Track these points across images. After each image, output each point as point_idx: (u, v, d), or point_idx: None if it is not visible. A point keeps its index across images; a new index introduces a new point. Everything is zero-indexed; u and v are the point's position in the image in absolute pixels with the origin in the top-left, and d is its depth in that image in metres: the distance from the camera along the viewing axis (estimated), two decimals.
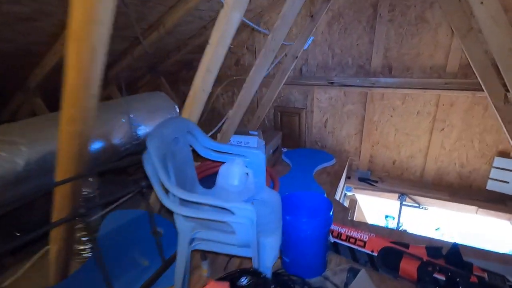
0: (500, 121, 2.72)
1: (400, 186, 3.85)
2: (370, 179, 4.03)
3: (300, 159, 3.86)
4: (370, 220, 4.05)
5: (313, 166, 3.67)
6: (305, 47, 3.47)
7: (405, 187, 3.82)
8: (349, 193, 3.82)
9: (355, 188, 3.79)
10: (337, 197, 3.32)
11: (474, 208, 3.29)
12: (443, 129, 3.52)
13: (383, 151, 3.94)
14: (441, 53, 3.30)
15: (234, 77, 4.32)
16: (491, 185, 3.43)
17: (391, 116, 3.75)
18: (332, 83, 3.87)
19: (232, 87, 4.55)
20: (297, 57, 3.42)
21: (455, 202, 3.35)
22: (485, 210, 3.23)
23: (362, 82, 3.70)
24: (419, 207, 3.51)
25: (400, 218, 3.65)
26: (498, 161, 3.34)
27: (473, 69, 2.75)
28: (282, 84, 3.60)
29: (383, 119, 3.80)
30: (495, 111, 2.73)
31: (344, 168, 3.74)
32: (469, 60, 2.78)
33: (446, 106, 3.42)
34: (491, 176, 3.40)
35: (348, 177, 4.13)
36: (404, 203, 3.57)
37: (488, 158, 3.44)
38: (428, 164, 3.71)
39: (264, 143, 3.13)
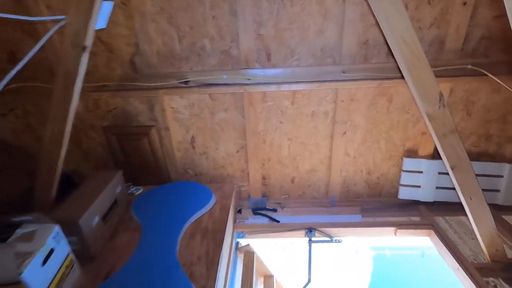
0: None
1: (304, 210, 2.90)
2: (267, 208, 2.94)
3: (159, 209, 2.39)
4: (278, 274, 3.10)
5: (180, 219, 2.28)
6: (101, 24, 1.81)
7: (311, 211, 2.89)
8: (242, 241, 2.67)
9: (249, 233, 2.63)
10: (224, 260, 2.07)
11: (391, 229, 2.59)
12: (345, 132, 2.60)
13: (278, 169, 2.84)
14: (333, 27, 2.22)
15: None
16: (403, 193, 2.79)
17: (281, 122, 2.61)
18: (186, 82, 2.40)
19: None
20: (84, 47, 1.71)
21: (368, 227, 2.58)
22: (404, 230, 2.56)
23: (232, 78, 2.37)
24: (331, 241, 2.66)
25: (312, 263, 2.76)
26: (407, 163, 2.67)
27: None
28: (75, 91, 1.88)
29: (270, 128, 2.64)
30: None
31: (229, 208, 2.48)
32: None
33: (346, 102, 2.47)
34: (401, 182, 2.75)
35: (238, 211, 2.93)
36: (313, 239, 2.65)
37: (396, 160, 2.75)
38: (332, 177, 2.82)
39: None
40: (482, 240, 2.05)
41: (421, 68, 1.55)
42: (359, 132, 2.64)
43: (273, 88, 2.40)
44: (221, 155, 2.79)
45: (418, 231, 2.53)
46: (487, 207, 1.93)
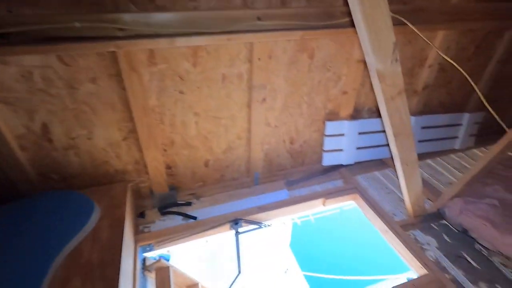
0: None
1: (225, 196, 2.41)
2: (179, 202, 2.32)
3: (3, 249, 1.47)
4: (204, 278, 2.58)
5: (41, 260, 1.45)
6: None
7: (233, 196, 2.42)
8: (150, 257, 2.01)
9: (158, 243, 1.98)
10: None
11: (319, 201, 2.39)
12: (264, 99, 2.12)
13: (186, 153, 2.20)
14: None
15: None
16: (327, 160, 2.60)
17: (181, 93, 1.91)
18: (8, 37, 1.38)
19: None
20: None
21: (296, 204, 2.31)
22: (332, 199, 2.40)
23: (92, 28, 1.48)
24: (260, 227, 2.30)
25: (240, 254, 2.37)
26: (330, 127, 2.45)
27: None
28: None
29: (168, 101, 1.92)
30: None
31: (123, 220, 1.75)
32: None
33: (264, 60, 1.94)
34: (325, 147, 2.53)
35: (140, 215, 2.21)
36: (240, 230, 2.23)
37: (317, 125, 2.49)
38: (253, 152, 2.37)
39: None
40: (409, 200, 2.02)
41: (380, 11, 1.14)
42: (280, 97, 2.21)
43: (163, 43, 1.64)
44: (100, 146, 1.93)
45: (345, 197, 2.41)
46: (419, 172, 1.85)
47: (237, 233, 2.18)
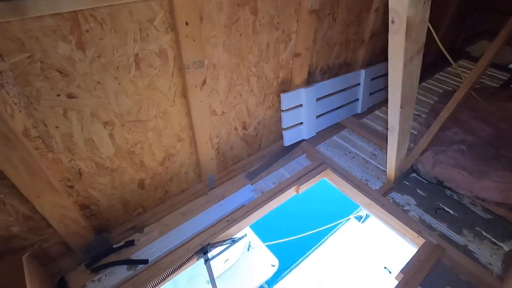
0: None
1: (177, 216, 1.83)
2: (115, 247, 1.65)
3: None
4: None
5: None
6: None
7: (187, 212, 1.86)
8: None
9: None
10: None
11: (293, 189, 2.03)
12: (204, 80, 1.51)
13: (105, 180, 1.49)
14: None
15: None
16: (288, 138, 2.20)
17: (70, 96, 1.16)
18: None
19: None
20: None
21: (270, 201, 1.90)
22: (306, 183, 2.05)
23: None
24: (234, 243, 1.84)
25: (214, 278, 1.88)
26: (286, 99, 2.01)
27: None
28: None
29: (49, 114, 1.15)
30: None
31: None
32: None
33: (194, 24, 1.30)
34: (284, 125, 2.12)
35: (60, 284, 1.48)
36: (209, 256, 1.72)
37: (271, 99, 2.03)
38: (201, 151, 1.79)
39: None
40: (394, 168, 1.82)
41: None
42: (223, 74, 1.62)
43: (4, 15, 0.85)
44: None
45: (316, 177, 2.11)
46: (408, 140, 1.60)
47: (208, 260, 1.69)
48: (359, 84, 2.49)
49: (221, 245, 1.72)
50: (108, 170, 1.45)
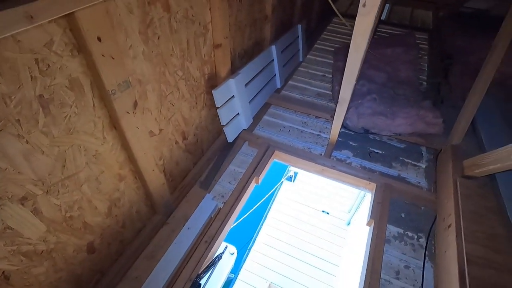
0: None
1: (142, 262, 1.56)
2: None
3: None
4: None
5: None
6: None
7: (152, 255, 1.60)
8: None
9: None
10: None
11: (253, 183, 1.98)
12: (135, 103, 1.23)
13: (35, 271, 1.11)
14: None
15: None
16: (230, 134, 2.09)
17: None
18: None
19: None
20: None
21: (238, 202, 1.82)
22: (262, 172, 2.03)
23: None
24: (219, 260, 1.68)
25: None
26: (218, 95, 1.88)
27: None
28: None
29: None
30: None
31: None
32: None
33: (107, 37, 1.01)
34: (223, 122, 1.99)
35: None
36: (201, 282, 1.54)
37: (202, 99, 1.85)
38: (150, 180, 1.52)
39: None
40: (337, 132, 1.97)
41: None
42: (151, 88, 1.36)
43: None
44: None
45: (268, 162, 2.12)
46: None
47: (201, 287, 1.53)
48: (273, 60, 2.54)
49: (211, 268, 1.57)
50: (45, 254, 1.08)
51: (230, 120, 2.02)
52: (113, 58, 1.04)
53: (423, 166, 2.19)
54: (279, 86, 2.75)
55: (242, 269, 4.84)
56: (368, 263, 1.58)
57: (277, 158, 2.21)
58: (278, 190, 6.05)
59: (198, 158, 2.05)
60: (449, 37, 3.40)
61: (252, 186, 1.98)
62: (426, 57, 3.51)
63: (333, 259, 4.85)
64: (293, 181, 6.21)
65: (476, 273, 1.24)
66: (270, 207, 5.78)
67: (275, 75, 2.64)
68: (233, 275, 4.86)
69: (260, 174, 2.00)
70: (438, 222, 1.72)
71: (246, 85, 2.11)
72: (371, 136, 2.43)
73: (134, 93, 1.22)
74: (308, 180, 6.25)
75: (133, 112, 1.22)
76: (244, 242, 5.45)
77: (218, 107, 1.88)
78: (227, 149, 2.20)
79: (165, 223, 1.72)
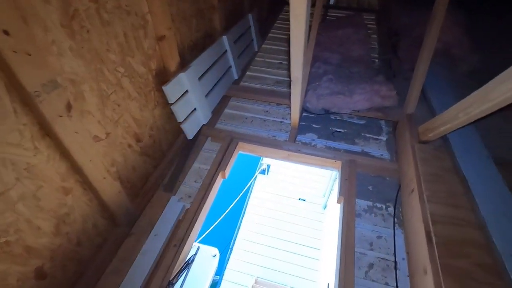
0: None
1: (106, 280, 1.43)
2: None
3: None
4: None
5: None
6: None
7: (117, 269, 1.48)
8: None
9: None
10: None
11: (220, 178, 1.90)
12: (68, 104, 1.10)
13: None
14: None
15: None
16: (190, 130, 1.99)
17: None
18: None
19: None
20: None
21: (206, 200, 1.74)
22: (227, 165, 1.96)
23: None
24: (192, 261, 1.59)
25: None
26: (170, 91, 1.77)
27: None
28: None
29: None
30: None
31: None
32: None
33: (18, 31, 0.88)
34: (180, 118, 1.89)
35: None
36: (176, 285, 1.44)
37: (153, 97, 1.74)
38: (103, 192, 1.40)
39: None
40: (297, 113, 1.96)
41: None
42: (88, 88, 1.23)
43: None
44: None
45: (234, 154, 2.05)
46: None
47: None
48: (226, 51, 2.46)
49: (183, 272, 1.48)
50: None
51: (187, 116, 1.92)
52: (30, 55, 0.91)
53: (384, 139, 2.26)
54: (236, 77, 2.68)
55: (226, 269, 4.76)
56: (342, 239, 1.58)
57: (242, 150, 2.15)
58: (253, 185, 6.02)
59: (159, 161, 1.93)
60: (395, 15, 3.55)
61: (219, 181, 1.91)
62: (376, 36, 3.64)
63: (315, 244, 4.93)
64: (267, 174, 6.22)
65: (441, 231, 1.28)
66: (247, 203, 5.74)
67: (230, 66, 2.57)
68: (218, 277, 4.76)
69: (226, 168, 1.93)
70: (402, 189, 1.77)
71: (199, 78, 2.02)
72: (332, 117, 2.46)
73: (67, 94, 1.09)
74: (282, 170, 6.29)
75: (68, 116, 1.09)
76: (225, 242, 5.36)
77: (171, 104, 1.77)
78: (190, 147, 2.11)
79: (129, 234, 1.59)
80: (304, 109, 2.33)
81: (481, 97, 1.19)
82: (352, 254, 1.52)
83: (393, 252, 1.61)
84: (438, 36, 1.90)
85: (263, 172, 6.22)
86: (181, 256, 1.51)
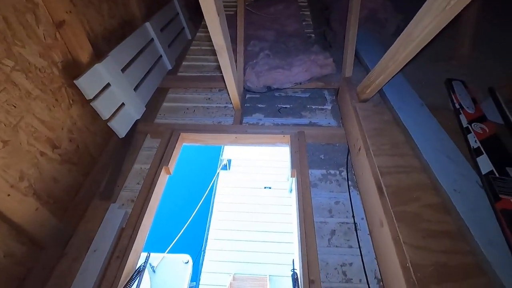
0: None
1: None
2: None
3: None
4: None
5: None
6: None
7: None
8: None
9: None
10: None
11: (164, 176, 1.71)
12: None
13: None
14: None
15: None
16: (120, 128, 1.77)
17: None
18: None
19: None
20: None
21: (150, 200, 1.55)
22: (171, 159, 1.78)
23: None
24: (141, 273, 1.39)
25: None
26: (85, 85, 1.53)
27: None
28: None
29: None
30: None
31: None
32: None
33: None
34: (106, 115, 1.66)
35: None
36: None
37: (66, 95, 1.49)
38: (11, 211, 1.16)
39: None
40: (237, 95, 1.84)
41: None
42: None
43: None
44: None
45: (177, 147, 1.88)
46: (233, 61, 1.59)
47: None
48: (152, 39, 2.25)
49: (132, 282, 1.30)
50: None
51: (114, 112, 1.70)
52: None
53: (329, 107, 2.25)
54: (170, 67, 2.49)
55: (202, 274, 4.56)
56: (300, 212, 1.52)
57: (186, 141, 1.99)
58: (217, 183, 5.85)
59: (89, 167, 1.69)
60: None
61: (163, 178, 1.73)
62: (309, 13, 3.67)
63: (286, 228, 4.94)
64: (229, 169, 6.08)
65: (390, 181, 1.27)
66: (213, 202, 5.56)
67: (161, 56, 2.37)
68: (194, 283, 4.55)
69: (169, 162, 1.75)
70: (351, 151, 1.76)
71: (123, 70, 1.81)
72: (277, 94, 2.39)
73: None
74: (244, 163, 6.20)
75: None
76: (197, 246, 5.13)
77: (90, 100, 1.54)
78: (126, 148, 1.89)
79: (62, 255, 1.36)
80: (246, 90, 2.23)
81: (405, 40, 1.19)
82: (311, 225, 1.46)
83: (351, 214, 1.59)
84: (364, 3, 1.93)
85: (224, 168, 6.08)
86: (127, 267, 1.33)
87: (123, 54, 1.84)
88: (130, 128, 1.88)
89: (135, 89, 1.90)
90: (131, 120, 1.87)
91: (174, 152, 1.82)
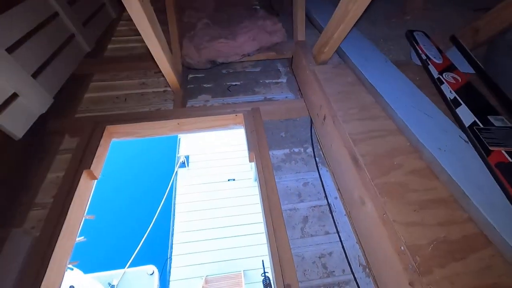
0: None
1: None
2: None
3: None
4: None
5: None
6: None
7: None
8: None
9: None
10: None
11: (85, 179, 1.31)
12: None
13: None
14: None
15: None
16: (13, 127, 1.31)
17: None
18: None
19: None
20: None
21: (66, 215, 1.16)
22: (94, 161, 1.37)
23: None
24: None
25: None
26: None
27: None
28: None
29: None
30: None
31: None
32: None
33: None
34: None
35: None
36: None
37: None
38: None
39: None
40: (173, 71, 1.48)
41: None
42: None
43: None
44: None
45: (102, 145, 1.48)
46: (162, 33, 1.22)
47: None
48: (57, 13, 1.77)
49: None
50: None
51: (1, 106, 1.25)
52: None
53: (284, 80, 2.00)
54: (88, 49, 2.02)
55: (170, 283, 4.16)
56: (264, 201, 1.25)
57: (115, 136, 1.59)
58: (176, 182, 5.39)
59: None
60: None
61: (87, 185, 1.34)
62: None
63: (256, 218, 4.73)
64: (188, 166, 5.65)
65: (366, 149, 1.05)
66: (174, 203, 5.12)
67: (73, 35, 1.89)
68: None
69: (92, 164, 1.36)
70: (314, 122, 1.53)
71: (9, 50, 1.34)
72: (224, 71, 2.07)
73: None
74: (202, 157, 5.80)
75: None
76: (162, 254, 4.69)
77: None
78: (34, 153, 1.44)
79: None
80: (186, 67, 1.88)
81: None
82: (280, 215, 1.20)
83: (324, 195, 1.36)
84: None
85: (183, 165, 5.63)
86: None
87: (8, 28, 1.36)
88: (35, 127, 1.43)
89: (34, 76, 1.44)
90: (32, 116, 1.41)
91: (98, 150, 1.42)
